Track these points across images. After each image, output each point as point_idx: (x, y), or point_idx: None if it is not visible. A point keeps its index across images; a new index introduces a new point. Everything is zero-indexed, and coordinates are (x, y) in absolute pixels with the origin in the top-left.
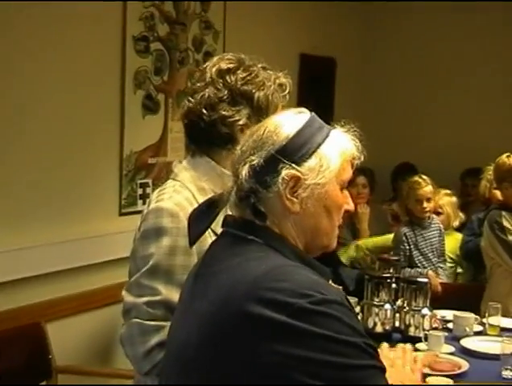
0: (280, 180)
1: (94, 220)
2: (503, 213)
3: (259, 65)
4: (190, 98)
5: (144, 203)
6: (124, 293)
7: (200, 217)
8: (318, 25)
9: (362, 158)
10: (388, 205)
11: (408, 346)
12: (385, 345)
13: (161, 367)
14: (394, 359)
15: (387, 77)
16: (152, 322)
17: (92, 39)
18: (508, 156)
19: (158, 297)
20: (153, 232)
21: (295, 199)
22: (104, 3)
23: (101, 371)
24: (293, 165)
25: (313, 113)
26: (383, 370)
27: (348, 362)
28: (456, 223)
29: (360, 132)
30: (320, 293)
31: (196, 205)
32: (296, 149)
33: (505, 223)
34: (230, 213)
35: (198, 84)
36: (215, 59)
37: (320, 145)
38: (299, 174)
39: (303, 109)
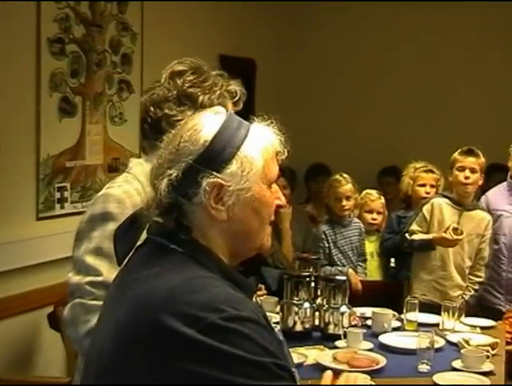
0: (202, 191)
1: (10, 225)
2: (434, 201)
3: (214, 72)
4: (145, 95)
5: (62, 208)
6: (70, 274)
7: (125, 234)
8: (237, 26)
9: (286, 153)
10: (303, 206)
11: (353, 375)
12: (328, 373)
13: (82, 375)
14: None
15: (306, 78)
16: (94, 302)
17: (5, 41)
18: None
19: (100, 278)
20: (99, 217)
21: (220, 207)
22: (16, 4)
23: (18, 380)
24: (214, 173)
25: (230, 112)
26: None
27: (254, 384)
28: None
29: (280, 125)
30: (234, 308)
31: (144, 196)
32: (215, 156)
33: (425, 209)
34: (156, 220)
35: (155, 84)
36: (175, 61)
37: (239, 147)
38: (221, 181)
39: (220, 109)
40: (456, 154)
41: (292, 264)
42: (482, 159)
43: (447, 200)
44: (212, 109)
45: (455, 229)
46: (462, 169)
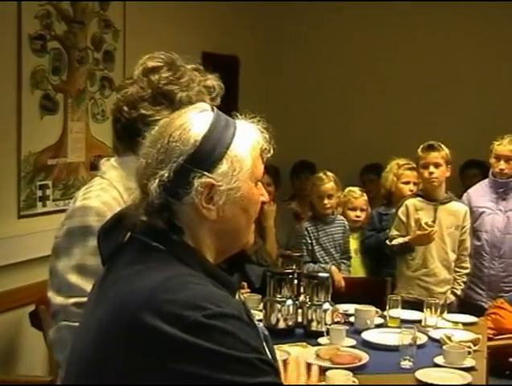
0: (194, 191)
1: None
2: (408, 202)
3: (190, 66)
4: (117, 94)
5: (44, 206)
6: (51, 294)
7: (111, 233)
8: (220, 23)
9: (272, 151)
10: (288, 204)
11: (301, 357)
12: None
13: (63, 378)
14: (288, 373)
15: (290, 75)
16: None
17: None
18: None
19: (86, 299)
20: (79, 231)
21: (211, 207)
22: None
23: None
24: (205, 173)
25: (216, 110)
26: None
27: (239, 380)
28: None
29: (266, 123)
30: (217, 305)
31: (123, 205)
32: (206, 156)
33: (400, 211)
34: (142, 219)
35: (126, 81)
36: (146, 56)
37: (228, 146)
38: (212, 181)
39: (205, 106)
40: (418, 151)
41: (276, 261)
42: (445, 151)
43: (419, 198)
44: (197, 106)
45: (426, 224)
46: (426, 165)
